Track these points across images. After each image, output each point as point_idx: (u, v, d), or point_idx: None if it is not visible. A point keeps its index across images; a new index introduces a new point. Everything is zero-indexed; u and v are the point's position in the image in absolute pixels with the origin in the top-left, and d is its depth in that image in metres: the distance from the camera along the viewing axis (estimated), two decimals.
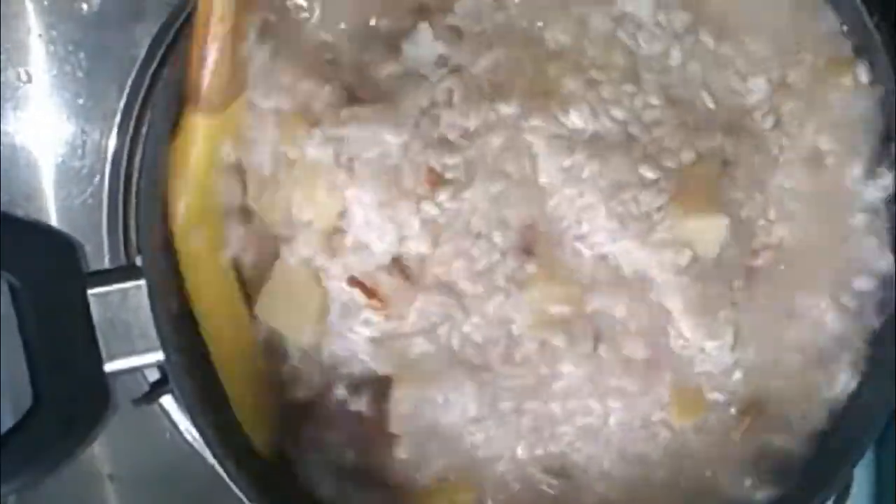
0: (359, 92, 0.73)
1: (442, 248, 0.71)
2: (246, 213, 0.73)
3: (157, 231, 0.71)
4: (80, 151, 0.86)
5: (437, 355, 0.73)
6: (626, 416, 0.74)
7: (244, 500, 0.71)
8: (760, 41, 0.76)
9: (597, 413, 0.74)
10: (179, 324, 0.71)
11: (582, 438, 0.75)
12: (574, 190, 0.72)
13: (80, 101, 0.85)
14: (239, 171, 0.73)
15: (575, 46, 0.74)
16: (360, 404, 0.73)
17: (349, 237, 0.71)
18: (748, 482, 0.76)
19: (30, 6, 0.84)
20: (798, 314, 0.76)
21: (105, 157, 0.86)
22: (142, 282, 0.68)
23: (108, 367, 0.67)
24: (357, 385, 0.73)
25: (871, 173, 0.76)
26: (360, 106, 0.71)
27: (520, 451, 0.74)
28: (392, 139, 0.70)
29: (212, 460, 0.71)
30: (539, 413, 0.74)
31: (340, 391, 0.73)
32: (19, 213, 0.82)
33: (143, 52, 0.85)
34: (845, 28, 0.76)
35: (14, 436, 0.66)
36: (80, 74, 0.85)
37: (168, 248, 0.71)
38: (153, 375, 0.78)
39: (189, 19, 0.70)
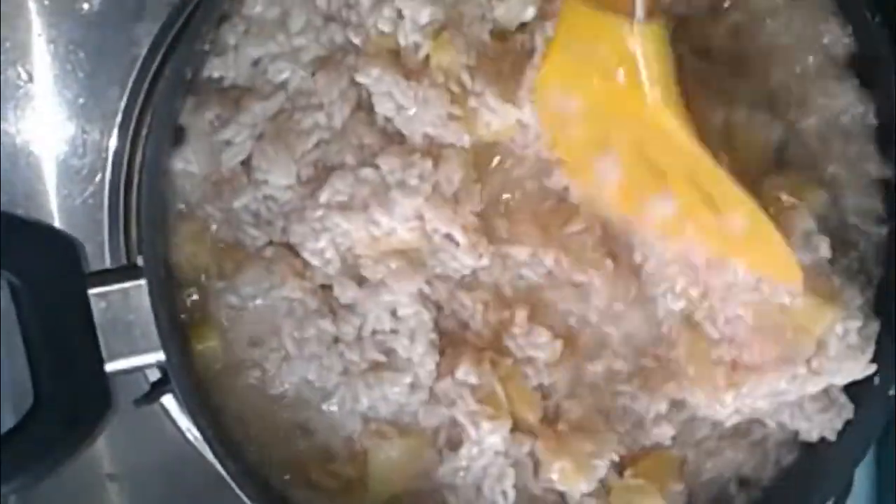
0: None
1: None
2: None
3: (158, 230, 0.71)
4: (80, 151, 0.86)
5: None
6: None
7: (244, 499, 0.71)
8: None
9: None
10: (180, 323, 0.71)
11: None
12: None
13: (81, 101, 0.85)
14: None
15: None
16: None
17: None
18: None
19: (31, 5, 0.84)
20: None
21: (106, 157, 0.86)
22: (142, 281, 0.68)
23: (109, 366, 0.67)
24: None
25: None
26: None
27: None
28: None
29: (212, 459, 0.71)
30: None
31: None
32: (20, 212, 0.82)
33: (143, 52, 0.85)
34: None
35: (14, 436, 0.66)
36: (80, 74, 0.85)
37: (167, 249, 0.71)
38: (154, 375, 0.79)
39: (189, 19, 0.70)
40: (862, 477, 0.87)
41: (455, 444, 0.74)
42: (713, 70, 0.76)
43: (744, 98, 0.76)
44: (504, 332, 0.75)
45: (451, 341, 0.75)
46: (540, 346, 0.75)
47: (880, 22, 0.76)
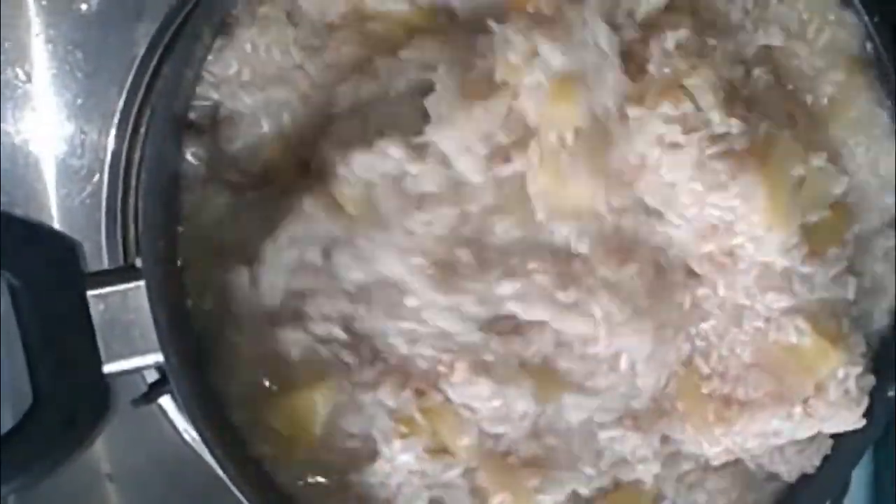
0: None
1: None
2: None
3: (157, 231, 0.71)
4: (79, 151, 0.86)
5: None
6: None
7: (243, 500, 0.71)
8: None
9: None
10: (178, 325, 0.71)
11: None
12: None
13: (80, 101, 0.85)
14: None
15: None
16: None
17: None
18: None
19: (29, 5, 0.84)
20: None
21: (104, 157, 0.86)
22: (141, 283, 0.68)
23: (108, 367, 0.68)
24: None
25: None
26: None
27: None
28: None
29: (211, 460, 0.71)
30: None
31: None
32: (19, 212, 0.82)
33: (142, 52, 0.85)
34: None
35: (14, 436, 0.66)
36: (79, 74, 0.85)
37: (167, 250, 0.71)
38: (152, 376, 0.78)
39: (188, 18, 0.70)
40: (860, 477, 0.87)
41: (373, 456, 0.73)
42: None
43: (819, 146, 0.73)
44: (441, 377, 0.72)
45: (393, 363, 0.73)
46: (479, 397, 0.72)
47: (880, 21, 0.76)
